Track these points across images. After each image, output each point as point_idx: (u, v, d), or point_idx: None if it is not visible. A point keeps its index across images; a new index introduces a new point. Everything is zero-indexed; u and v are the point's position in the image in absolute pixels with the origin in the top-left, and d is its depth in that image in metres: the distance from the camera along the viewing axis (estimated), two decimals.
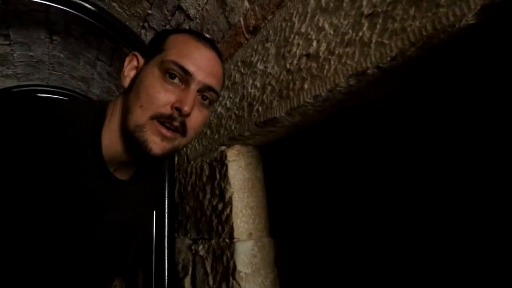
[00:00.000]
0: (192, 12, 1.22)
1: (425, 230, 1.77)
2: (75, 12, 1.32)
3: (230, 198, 1.05)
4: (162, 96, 0.52)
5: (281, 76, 0.84)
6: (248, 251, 1.00)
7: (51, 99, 0.53)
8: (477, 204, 1.56)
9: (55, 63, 2.16)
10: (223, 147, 1.13)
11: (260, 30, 0.97)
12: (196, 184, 1.29)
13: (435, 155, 1.74)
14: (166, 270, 1.26)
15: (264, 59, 0.93)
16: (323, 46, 0.70)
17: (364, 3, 0.60)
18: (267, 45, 0.92)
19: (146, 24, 1.46)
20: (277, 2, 0.89)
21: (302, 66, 0.77)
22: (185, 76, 0.53)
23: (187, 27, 1.29)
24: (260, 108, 0.92)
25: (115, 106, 0.57)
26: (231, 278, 0.98)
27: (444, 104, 1.64)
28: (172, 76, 0.53)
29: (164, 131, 0.52)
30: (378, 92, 0.68)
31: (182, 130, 0.54)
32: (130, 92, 0.55)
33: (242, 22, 1.04)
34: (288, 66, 0.82)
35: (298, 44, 0.79)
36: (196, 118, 0.55)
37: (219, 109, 1.18)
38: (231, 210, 1.04)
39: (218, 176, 1.13)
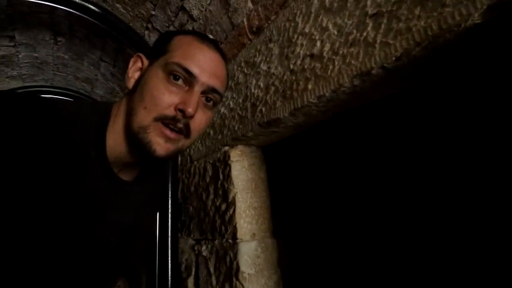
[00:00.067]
0: (195, 13, 1.22)
1: (429, 231, 1.76)
2: (79, 14, 1.33)
3: (233, 198, 1.05)
4: (166, 97, 0.52)
5: (285, 77, 0.84)
6: (252, 251, 1.00)
7: (56, 100, 0.53)
8: (478, 204, 1.55)
9: (59, 64, 2.18)
10: (226, 148, 1.13)
11: (263, 31, 0.97)
12: (199, 184, 1.30)
13: (435, 155, 1.73)
14: (169, 270, 1.26)
15: (268, 59, 0.93)
16: (327, 46, 0.70)
17: (369, 3, 0.60)
18: (271, 45, 0.92)
19: (149, 25, 1.47)
20: (281, 2, 0.88)
21: (306, 67, 0.77)
22: (189, 78, 0.53)
23: (190, 28, 1.29)
24: (263, 109, 0.92)
25: (119, 107, 0.57)
26: (234, 279, 0.98)
27: (445, 104, 1.63)
28: (176, 78, 0.53)
29: (168, 132, 0.52)
30: (383, 92, 0.68)
31: (185, 131, 0.54)
32: (134, 93, 0.55)
33: (246, 23, 1.04)
34: (291, 66, 0.82)
35: (302, 45, 0.79)
36: (199, 120, 0.55)
37: (223, 109, 1.18)
38: (234, 210, 1.04)
39: (221, 176, 1.13)
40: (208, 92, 0.55)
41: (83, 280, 0.55)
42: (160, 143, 0.52)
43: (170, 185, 1.37)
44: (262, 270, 1.00)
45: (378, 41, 0.57)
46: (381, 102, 0.74)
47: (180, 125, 0.52)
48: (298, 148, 1.85)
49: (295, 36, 0.82)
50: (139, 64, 0.58)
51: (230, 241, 1.03)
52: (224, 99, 1.16)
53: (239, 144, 1.11)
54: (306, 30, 0.78)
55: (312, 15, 0.76)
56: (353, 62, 0.62)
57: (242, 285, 0.95)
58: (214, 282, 1.09)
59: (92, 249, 0.54)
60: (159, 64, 0.54)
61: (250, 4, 1.00)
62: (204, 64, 0.54)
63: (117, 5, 1.45)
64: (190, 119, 0.53)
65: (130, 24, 1.48)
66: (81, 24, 1.73)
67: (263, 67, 0.95)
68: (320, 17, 0.73)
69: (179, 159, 1.51)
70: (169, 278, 1.25)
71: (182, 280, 1.30)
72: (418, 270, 1.78)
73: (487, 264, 1.51)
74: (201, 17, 1.22)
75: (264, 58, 0.95)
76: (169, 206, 1.34)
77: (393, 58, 0.54)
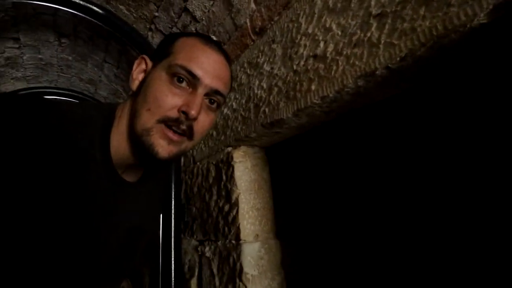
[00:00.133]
0: (198, 14, 1.23)
1: (433, 233, 1.75)
2: (83, 15, 1.34)
3: (237, 199, 1.05)
4: (169, 99, 0.52)
5: (288, 77, 0.84)
6: (255, 253, 0.99)
7: (60, 102, 0.54)
8: (478, 204, 1.54)
9: (63, 66, 2.20)
10: (229, 148, 1.13)
11: (266, 31, 0.97)
12: (203, 185, 1.30)
13: (436, 155, 1.72)
14: (172, 271, 1.26)
15: (271, 60, 0.93)
16: (331, 47, 0.70)
17: (373, 3, 0.60)
18: (274, 46, 0.92)
19: (152, 26, 1.48)
20: (284, 3, 0.88)
21: (309, 67, 0.77)
22: (193, 80, 0.53)
23: (193, 29, 1.30)
24: (266, 109, 0.92)
25: (123, 109, 0.57)
26: (237, 280, 0.98)
27: (446, 104, 1.62)
28: (180, 80, 0.53)
29: (170, 134, 0.52)
30: (387, 93, 0.67)
31: (189, 133, 0.54)
32: (138, 95, 0.55)
33: (249, 24, 1.04)
34: (295, 67, 0.82)
35: (305, 45, 0.79)
36: (203, 122, 0.55)
37: (225, 110, 1.18)
38: (237, 211, 1.04)
39: (224, 177, 1.13)
40: (212, 94, 0.55)
41: (88, 281, 0.55)
42: (163, 146, 0.52)
43: (173, 185, 1.37)
44: (266, 271, 1.00)
45: (383, 42, 0.57)
46: (382, 102, 0.73)
47: (183, 127, 0.53)
48: (301, 148, 1.84)
49: (299, 37, 0.82)
50: (143, 66, 0.59)
51: (233, 242, 1.03)
52: (227, 100, 1.16)
53: (242, 145, 1.11)
54: (310, 30, 0.78)
55: (316, 15, 0.76)
56: (357, 62, 0.62)
57: (246, 287, 0.95)
58: (217, 283, 1.09)
59: (96, 250, 0.55)
60: (162, 66, 0.55)
61: (253, 5, 1.00)
62: (207, 66, 0.54)
63: (121, 6, 1.45)
64: (193, 121, 0.53)
65: (134, 25, 1.49)
66: (85, 26, 1.74)
67: (266, 67, 0.95)
68: (324, 17, 0.73)
69: (182, 160, 1.51)
70: (172, 279, 1.26)
71: (185, 281, 1.30)
72: (421, 270, 1.76)
73: (487, 264, 1.50)
74: (204, 18, 1.22)
75: (267, 59, 0.95)
76: (172, 207, 1.35)
77: (398, 59, 0.53)
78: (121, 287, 1.70)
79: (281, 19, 0.90)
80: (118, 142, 0.55)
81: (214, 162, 1.22)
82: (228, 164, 1.11)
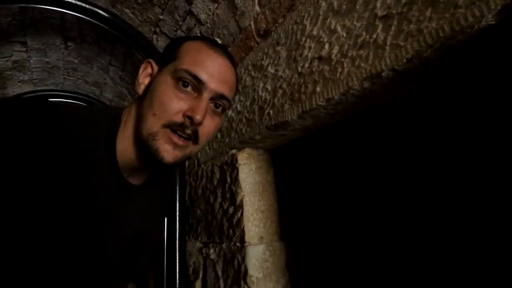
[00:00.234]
0: (203, 16, 1.23)
1: (441, 236, 1.73)
2: (89, 19, 1.35)
3: (241, 201, 1.05)
4: (174, 104, 0.52)
5: (293, 79, 0.84)
6: (259, 255, 0.99)
7: (67, 106, 0.54)
8: (479, 204, 1.53)
9: (69, 69, 2.22)
10: (233, 151, 1.13)
11: (271, 34, 0.97)
12: (207, 187, 1.30)
13: (436, 155, 1.71)
14: (177, 273, 1.26)
15: (275, 62, 0.93)
16: (336, 49, 0.70)
17: (378, 4, 0.59)
18: (278, 48, 0.92)
19: (157, 29, 1.49)
20: (288, 5, 0.88)
21: (314, 69, 0.76)
22: (198, 85, 0.53)
23: (197, 32, 1.30)
24: (271, 112, 0.92)
25: (129, 112, 0.58)
26: (242, 283, 0.97)
27: (446, 104, 1.61)
28: (185, 84, 0.53)
29: (176, 139, 0.52)
30: (393, 95, 0.67)
31: (194, 138, 0.54)
32: (144, 99, 0.56)
33: (253, 26, 1.04)
34: (299, 69, 0.82)
35: (310, 47, 0.79)
36: (208, 126, 0.55)
37: (230, 112, 1.18)
38: (242, 213, 1.03)
39: (228, 179, 1.13)
40: (217, 99, 0.55)
41: (93, 283, 0.55)
42: (168, 150, 0.52)
43: (178, 187, 1.38)
44: (270, 274, 0.99)
45: (388, 43, 0.56)
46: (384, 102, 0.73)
47: (188, 131, 0.53)
48: (305, 150, 1.84)
49: (303, 39, 0.82)
50: (149, 70, 0.59)
51: (238, 244, 1.03)
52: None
53: (246, 147, 1.11)
54: (314, 32, 0.78)
55: (320, 17, 0.76)
56: (362, 64, 0.62)
57: None
58: (222, 286, 1.09)
59: (102, 253, 0.55)
60: (168, 70, 0.55)
61: (257, 8, 1.00)
62: (212, 70, 0.54)
63: (126, 10, 1.47)
64: (198, 125, 0.53)
65: (139, 28, 1.50)
66: (91, 29, 1.76)
67: (271, 70, 0.95)
68: (329, 19, 0.73)
69: (187, 162, 1.52)
70: (177, 281, 1.26)
71: (189, 283, 1.30)
72: (426, 271, 1.75)
73: (488, 264, 1.48)
74: (208, 21, 1.23)
75: (271, 61, 0.95)
76: (177, 209, 1.35)
77: (404, 60, 0.53)
78: None
79: (286, 21, 0.90)
80: (124, 146, 0.55)
81: (218, 164, 1.22)
82: (232, 166, 1.11)
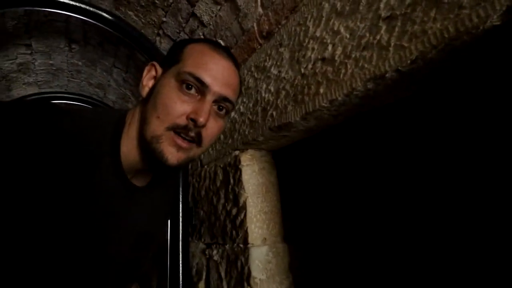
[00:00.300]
0: (205, 18, 1.24)
1: (442, 237, 1.71)
2: (93, 22, 1.37)
3: (244, 203, 1.05)
4: (178, 107, 0.52)
5: (296, 81, 0.84)
6: (263, 256, 0.99)
7: (72, 108, 0.54)
8: (479, 204, 1.51)
9: (73, 71, 2.24)
10: (236, 152, 1.13)
11: (273, 35, 0.97)
12: (210, 188, 1.30)
13: (436, 155, 1.70)
14: (180, 274, 1.26)
15: (278, 63, 0.93)
16: (339, 50, 0.70)
17: (382, 5, 0.59)
18: (281, 49, 0.92)
19: (160, 32, 1.50)
20: (291, 7, 0.89)
21: (317, 70, 0.76)
22: (201, 87, 0.53)
23: (200, 34, 1.31)
24: (274, 113, 0.92)
25: (133, 115, 0.58)
26: (245, 284, 0.97)
27: (447, 104, 1.60)
28: (189, 87, 0.53)
29: (179, 141, 0.52)
30: (396, 96, 0.67)
31: (197, 140, 0.54)
32: (148, 102, 0.56)
33: (256, 28, 1.04)
34: (302, 70, 0.82)
35: (313, 48, 0.79)
36: (211, 129, 0.55)
37: (233, 114, 1.19)
38: (245, 215, 1.03)
39: (232, 180, 1.13)
40: (220, 101, 0.55)
41: (97, 284, 0.55)
42: (172, 152, 0.52)
43: (181, 189, 1.38)
44: (274, 275, 0.99)
45: (392, 44, 0.56)
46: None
47: (192, 134, 0.53)
48: (308, 151, 1.84)
49: (306, 40, 0.82)
50: (153, 73, 0.59)
51: (241, 245, 1.03)
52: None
53: (249, 148, 1.11)
54: (317, 34, 0.78)
55: (323, 19, 0.76)
56: (366, 65, 0.61)
57: None
58: (225, 287, 1.09)
59: (106, 254, 0.55)
60: (172, 73, 0.55)
61: (260, 9, 1.00)
62: (216, 73, 0.54)
63: (130, 12, 1.48)
64: (202, 128, 0.53)
65: (142, 30, 1.51)
66: (95, 32, 1.78)
67: (274, 71, 0.95)
68: (332, 20, 0.73)
69: (190, 163, 1.52)
70: (180, 282, 1.26)
71: (193, 284, 1.30)
72: (429, 272, 1.73)
73: (488, 264, 1.47)
74: (211, 23, 1.23)
75: (274, 63, 0.95)
76: (180, 210, 1.35)
77: (408, 61, 0.53)
78: None
79: (289, 22, 0.90)
80: (128, 148, 0.55)
81: (221, 166, 1.22)
82: (235, 167, 1.11)
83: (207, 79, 0.53)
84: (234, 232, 1.08)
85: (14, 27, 1.70)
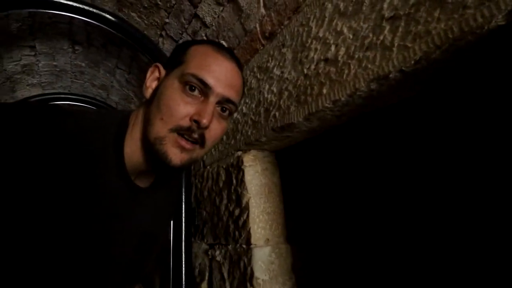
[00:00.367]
0: (208, 19, 1.24)
1: (445, 238, 1.70)
2: (97, 23, 1.37)
3: (247, 203, 1.05)
4: (181, 108, 0.52)
5: (299, 81, 0.84)
6: (266, 257, 0.99)
7: (76, 110, 0.54)
8: (479, 204, 1.51)
9: (77, 72, 2.25)
10: (239, 153, 1.13)
11: (276, 36, 0.97)
12: (213, 189, 1.30)
13: (437, 155, 1.69)
14: (183, 274, 1.27)
15: (281, 64, 0.93)
16: (342, 51, 0.70)
17: (385, 6, 0.59)
18: (284, 50, 0.92)
19: (163, 33, 1.50)
20: (294, 7, 0.89)
21: (320, 71, 0.76)
22: (205, 89, 0.53)
23: (203, 35, 1.31)
24: (277, 114, 0.92)
25: (137, 116, 0.58)
26: (248, 285, 0.97)
27: (447, 104, 1.59)
28: (192, 89, 0.53)
29: (183, 143, 0.53)
30: (400, 96, 0.66)
31: (201, 141, 0.54)
32: (152, 103, 0.56)
33: (258, 28, 1.04)
34: (305, 71, 0.82)
35: (316, 49, 0.79)
36: (214, 130, 0.55)
37: (235, 114, 1.19)
38: (248, 215, 1.03)
39: (234, 181, 1.13)
40: (223, 103, 0.56)
41: (100, 285, 0.56)
42: (176, 153, 0.53)
43: (184, 189, 1.38)
44: (277, 276, 0.99)
45: (396, 45, 0.56)
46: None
47: (195, 135, 0.53)
48: (311, 152, 1.83)
49: (309, 41, 0.82)
50: (156, 74, 0.59)
51: (244, 246, 1.03)
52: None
53: (252, 149, 1.11)
54: (320, 34, 0.77)
55: (326, 19, 0.76)
56: (369, 66, 0.61)
57: None
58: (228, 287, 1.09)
59: (109, 255, 0.55)
60: (175, 74, 0.55)
61: (262, 10, 1.00)
62: (219, 74, 0.54)
63: (133, 14, 1.49)
64: (205, 129, 0.53)
65: (145, 32, 1.52)
66: (98, 33, 1.79)
67: (276, 72, 0.95)
68: (335, 21, 0.73)
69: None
70: (183, 283, 1.26)
71: (195, 284, 1.31)
72: (430, 273, 1.72)
73: (488, 264, 1.46)
74: (213, 24, 1.23)
75: (277, 63, 0.95)
76: (183, 211, 1.36)
77: (412, 62, 0.52)
78: None
79: (291, 23, 0.90)
80: (132, 149, 0.56)
81: (224, 166, 1.23)
82: (238, 168, 1.11)
83: (210, 80, 0.53)
84: (236, 233, 1.08)
85: (18, 29, 1.72)
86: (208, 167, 1.38)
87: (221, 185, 1.24)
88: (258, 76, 1.06)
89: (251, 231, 1.01)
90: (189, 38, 1.39)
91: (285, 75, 0.90)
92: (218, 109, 0.56)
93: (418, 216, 1.87)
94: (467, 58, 0.51)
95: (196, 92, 0.53)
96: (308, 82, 0.80)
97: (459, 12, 0.47)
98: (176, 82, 0.54)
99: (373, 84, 0.61)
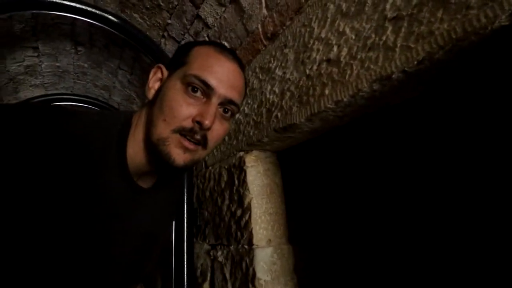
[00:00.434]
0: (210, 20, 1.24)
1: (447, 238, 1.70)
2: (99, 24, 1.38)
3: (249, 204, 1.05)
4: (184, 109, 0.52)
5: (301, 82, 0.84)
6: (268, 258, 0.99)
7: (79, 110, 0.55)
8: (480, 204, 1.50)
9: (79, 73, 2.26)
10: (241, 153, 1.13)
11: (278, 37, 0.97)
12: (215, 189, 1.30)
13: (437, 155, 1.68)
14: (185, 275, 1.27)
15: (283, 65, 0.93)
16: (344, 51, 0.69)
17: (388, 6, 0.59)
18: (286, 51, 0.92)
19: (165, 34, 1.51)
20: (296, 8, 0.89)
21: (322, 72, 0.76)
22: (207, 90, 0.53)
23: (205, 35, 1.31)
24: (279, 114, 0.92)
25: (139, 117, 0.58)
26: (250, 285, 0.97)
27: (447, 103, 1.58)
28: (194, 90, 0.53)
29: (186, 143, 0.53)
30: (403, 97, 0.66)
31: (203, 142, 0.54)
32: (154, 104, 0.56)
33: (260, 29, 1.04)
34: (307, 71, 0.82)
35: (318, 50, 0.78)
36: (217, 131, 0.56)
37: (237, 115, 1.19)
38: (250, 216, 1.03)
39: (236, 181, 1.13)
40: (226, 104, 0.56)
41: (101, 285, 0.56)
42: (179, 154, 0.53)
43: (185, 190, 1.38)
44: (279, 276, 0.99)
45: (399, 45, 0.56)
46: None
47: (197, 136, 0.53)
48: (313, 153, 1.83)
49: (311, 41, 0.81)
50: (159, 75, 0.60)
51: (246, 247, 1.03)
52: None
53: (254, 149, 1.11)
54: (323, 35, 0.77)
55: (329, 20, 0.76)
56: (372, 66, 0.61)
57: None
58: None
59: (110, 255, 0.55)
60: (177, 75, 0.55)
61: (264, 11, 1.00)
62: (221, 75, 0.54)
63: (135, 15, 1.49)
64: (207, 130, 0.53)
65: (147, 33, 1.52)
66: (101, 34, 1.80)
67: (278, 72, 0.95)
68: (337, 21, 0.73)
69: None
70: (185, 283, 1.26)
71: (197, 285, 1.31)
72: (435, 275, 1.71)
73: (488, 264, 1.46)
74: (215, 25, 1.24)
75: (279, 64, 0.95)
76: (185, 211, 1.36)
77: (415, 62, 0.52)
78: None
79: (293, 24, 0.90)
80: (134, 150, 0.56)
81: (226, 167, 1.23)
82: (240, 168, 1.11)
83: (212, 81, 0.53)
84: (238, 233, 1.08)
85: (21, 30, 1.73)
86: (210, 167, 1.38)
87: (223, 185, 1.24)
88: (260, 76, 1.06)
89: (253, 231, 1.01)
90: (191, 39, 1.39)
91: (287, 76, 0.90)
92: (220, 110, 0.56)
93: (420, 216, 1.86)
94: (470, 58, 0.51)
95: (198, 93, 0.54)
96: (310, 83, 0.80)
97: (462, 13, 0.47)
98: (178, 83, 0.54)
99: (375, 85, 0.61)
